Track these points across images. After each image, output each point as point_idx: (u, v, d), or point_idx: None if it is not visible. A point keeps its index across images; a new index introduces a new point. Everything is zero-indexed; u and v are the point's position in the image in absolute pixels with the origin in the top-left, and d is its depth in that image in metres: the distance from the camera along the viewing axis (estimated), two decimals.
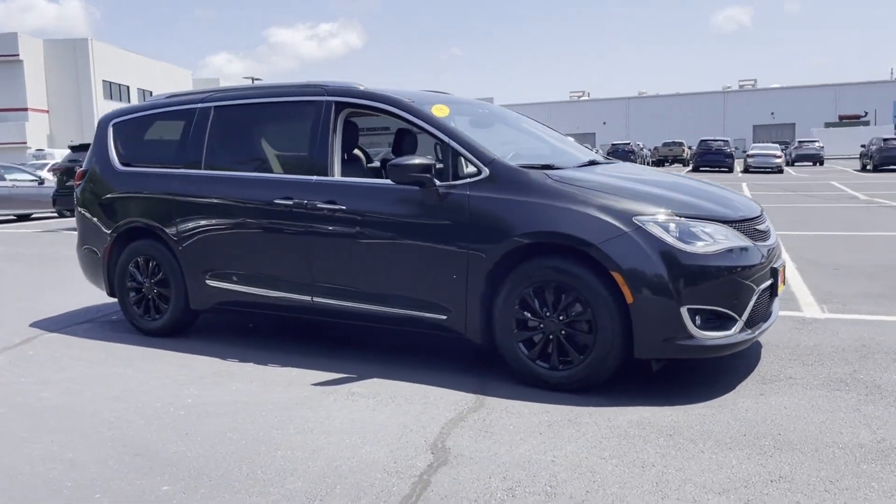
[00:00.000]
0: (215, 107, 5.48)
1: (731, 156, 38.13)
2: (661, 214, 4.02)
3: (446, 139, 4.55)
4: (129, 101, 57.94)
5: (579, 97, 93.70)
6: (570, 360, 4.12)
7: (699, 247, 3.94)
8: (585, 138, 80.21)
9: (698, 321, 3.92)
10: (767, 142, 50.67)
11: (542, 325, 4.18)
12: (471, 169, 4.45)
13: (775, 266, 4.33)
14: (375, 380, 4.47)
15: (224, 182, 5.27)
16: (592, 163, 5.13)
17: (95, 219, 5.95)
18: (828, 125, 69.29)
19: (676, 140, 52.89)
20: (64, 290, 7.80)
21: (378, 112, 4.92)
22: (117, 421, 3.89)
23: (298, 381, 4.48)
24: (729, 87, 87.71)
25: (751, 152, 37.81)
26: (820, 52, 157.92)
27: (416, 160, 4.38)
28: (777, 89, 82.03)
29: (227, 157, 5.43)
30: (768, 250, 4.31)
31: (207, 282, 5.34)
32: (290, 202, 4.88)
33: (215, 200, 5.25)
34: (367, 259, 4.67)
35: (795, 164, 44.28)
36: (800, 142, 48.70)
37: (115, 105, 41.68)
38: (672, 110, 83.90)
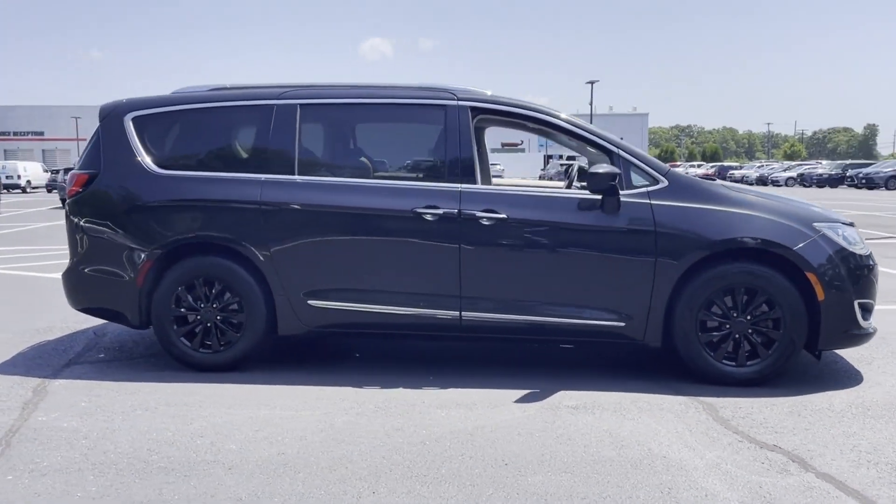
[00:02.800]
0: (301, 105, 4.81)
1: None
2: (831, 220, 4.57)
3: (615, 150, 4.63)
4: None
5: None
6: (758, 355, 4.47)
7: (857, 248, 4.56)
8: None
9: (861, 313, 4.54)
10: None
11: (728, 326, 4.47)
12: (641, 179, 4.59)
13: None
14: (565, 392, 4.36)
15: (340, 190, 4.66)
16: None
17: (118, 234, 4.81)
18: (493, 150, 77.34)
19: None
20: None
21: (523, 120, 4.82)
22: (391, 460, 3.35)
23: (496, 402, 4.18)
24: None
25: None
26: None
27: (607, 169, 4.41)
28: None
29: (329, 161, 4.82)
30: None
31: (310, 302, 4.67)
32: (439, 211, 4.53)
33: (328, 210, 4.63)
34: (536, 269, 4.53)
35: None
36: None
37: None
38: None
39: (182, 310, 4.77)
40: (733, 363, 4.49)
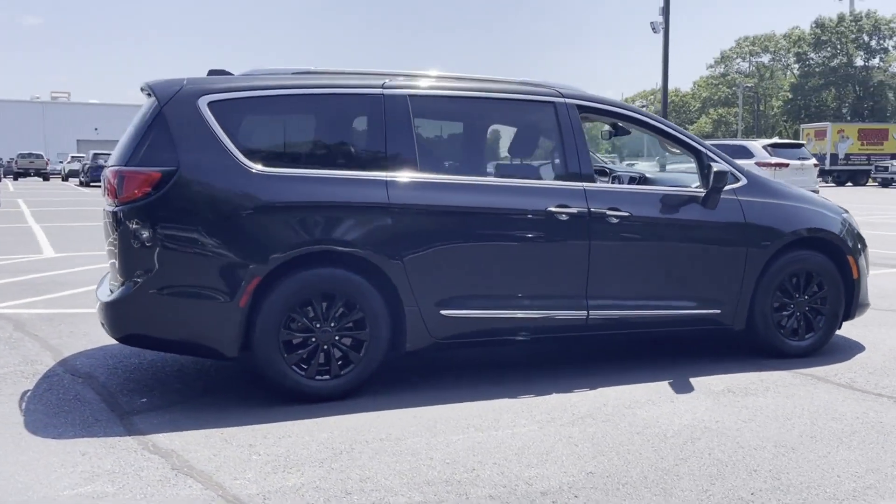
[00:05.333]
0: (411, 96, 4.35)
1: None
2: (846, 210, 5.45)
3: (704, 150, 4.98)
4: None
5: None
6: (812, 330, 5.17)
7: (860, 232, 5.51)
8: None
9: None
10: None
11: (792, 306, 5.11)
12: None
13: None
14: (696, 378, 4.61)
15: (472, 190, 4.33)
16: None
17: (212, 246, 3.90)
18: None
19: (35, 152, 48.84)
20: None
21: (620, 119, 4.93)
22: (700, 462, 3.35)
23: (667, 397, 4.29)
24: (38, 98, 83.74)
25: None
26: (61, 71, 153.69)
27: (724, 167, 4.76)
28: (97, 105, 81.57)
29: (448, 158, 4.43)
30: None
31: (443, 312, 4.28)
32: (572, 210, 4.47)
33: (462, 210, 4.27)
34: (654, 264, 4.71)
35: None
36: None
37: None
38: None
39: (295, 332, 4.05)
40: (796, 338, 5.14)
